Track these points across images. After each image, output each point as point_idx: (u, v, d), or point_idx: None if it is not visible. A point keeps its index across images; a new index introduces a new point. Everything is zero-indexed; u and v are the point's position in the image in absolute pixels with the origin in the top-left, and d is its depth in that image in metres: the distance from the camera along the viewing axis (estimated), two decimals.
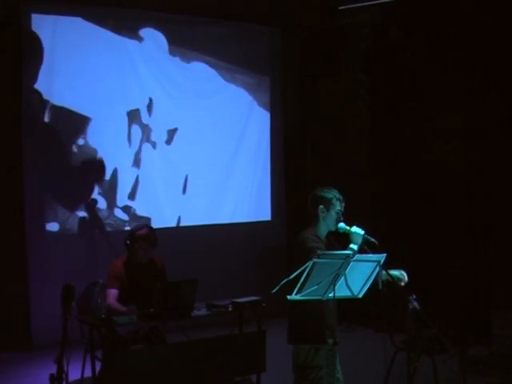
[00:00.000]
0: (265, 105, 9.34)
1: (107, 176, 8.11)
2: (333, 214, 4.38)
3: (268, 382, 5.90)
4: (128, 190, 8.27)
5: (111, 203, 8.15)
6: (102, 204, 8.09)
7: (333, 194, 4.42)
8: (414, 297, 4.24)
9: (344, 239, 4.34)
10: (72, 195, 7.90)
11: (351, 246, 4.21)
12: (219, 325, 6.14)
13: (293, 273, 3.92)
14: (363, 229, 4.29)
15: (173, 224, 8.57)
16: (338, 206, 4.40)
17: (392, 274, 4.27)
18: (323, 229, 4.42)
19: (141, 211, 8.35)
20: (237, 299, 5.79)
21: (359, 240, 4.22)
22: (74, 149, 7.92)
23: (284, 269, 8.52)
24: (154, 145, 8.43)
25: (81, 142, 7.93)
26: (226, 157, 8.96)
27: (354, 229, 4.26)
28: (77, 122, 7.88)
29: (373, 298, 4.19)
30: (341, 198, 4.44)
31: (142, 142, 8.36)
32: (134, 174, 8.30)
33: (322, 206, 4.38)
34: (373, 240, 4.22)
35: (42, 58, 7.61)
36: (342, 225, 4.33)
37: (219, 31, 8.82)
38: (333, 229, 4.41)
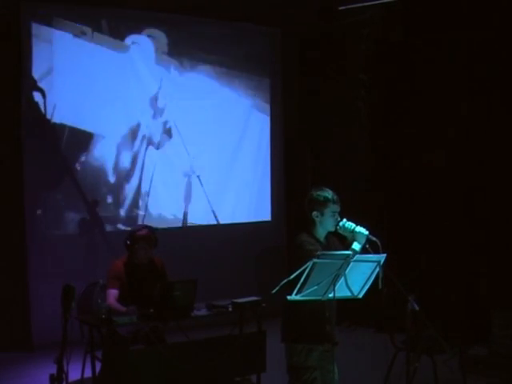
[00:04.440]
0: (265, 105, 9.34)
1: (108, 177, 8.11)
2: (328, 216, 4.32)
3: (268, 382, 5.90)
4: (129, 190, 8.27)
5: (112, 204, 8.16)
6: (102, 205, 8.10)
7: (325, 197, 4.33)
8: (413, 297, 4.25)
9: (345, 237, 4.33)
10: (72, 196, 7.89)
11: (354, 245, 4.19)
12: (219, 325, 6.13)
13: (291, 274, 3.92)
14: (366, 228, 4.28)
15: (173, 224, 8.56)
16: (333, 208, 4.32)
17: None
18: (321, 231, 4.38)
19: (141, 212, 8.35)
20: (237, 299, 5.78)
21: (363, 240, 4.20)
22: (75, 150, 7.93)
23: (284, 269, 8.49)
24: (154, 145, 8.43)
25: (81, 144, 7.95)
26: (226, 157, 8.96)
27: (358, 228, 4.24)
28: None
29: (373, 299, 4.20)
30: (335, 198, 4.34)
31: (142, 142, 8.35)
32: (134, 174, 8.30)
33: (315, 212, 4.33)
34: (375, 239, 4.21)
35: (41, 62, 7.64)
36: (345, 223, 4.27)
37: (219, 32, 8.81)
38: (332, 229, 4.37)
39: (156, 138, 8.45)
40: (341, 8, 8.40)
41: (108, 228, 8.11)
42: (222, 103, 8.89)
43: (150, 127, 8.41)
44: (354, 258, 3.95)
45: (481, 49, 7.32)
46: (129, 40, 8.20)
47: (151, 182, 8.39)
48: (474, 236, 7.50)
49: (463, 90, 7.50)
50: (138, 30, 8.25)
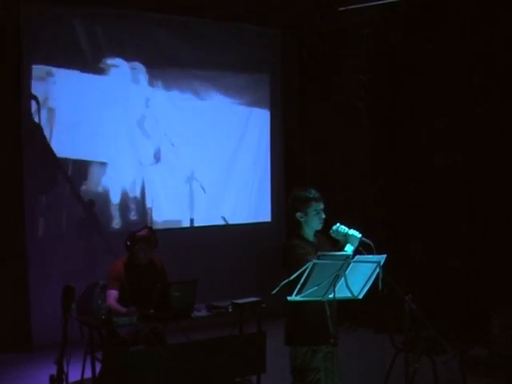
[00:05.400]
0: (265, 105, 9.33)
1: (108, 177, 8.12)
2: (312, 215, 4.30)
3: (268, 382, 5.90)
4: (129, 190, 8.27)
5: (112, 204, 8.16)
6: (103, 205, 8.10)
7: (307, 196, 4.32)
8: (410, 297, 4.23)
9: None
10: (72, 197, 7.89)
11: (346, 247, 4.19)
12: (219, 326, 6.14)
13: (286, 277, 3.91)
14: (360, 230, 4.27)
15: (173, 225, 8.56)
16: (316, 206, 4.31)
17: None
18: (308, 231, 4.36)
19: (141, 212, 8.34)
20: (237, 300, 5.79)
21: (356, 242, 4.20)
22: (75, 151, 7.94)
23: (284, 270, 8.51)
24: (153, 145, 8.42)
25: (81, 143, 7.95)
26: (226, 158, 8.95)
27: (352, 232, 4.24)
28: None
29: (373, 299, 4.20)
30: (317, 196, 4.32)
31: (141, 142, 8.35)
32: (135, 175, 8.30)
33: (299, 213, 4.32)
34: (368, 241, 4.20)
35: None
36: (338, 227, 4.26)
37: (219, 32, 8.81)
38: (318, 228, 4.36)
39: (154, 138, 8.43)
40: (341, 8, 8.40)
41: (108, 229, 8.10)
42: (222, 104, 8.88)
43: (148, 127, 8.40)
44: (355, 259, 3.95)
45: (482, 48, 7.31)
46: (128, 40, 8.17)
47: (149, 182, 8.39)
48: (474, 236, 7.49)
49: (464, 90, 7.50)
50: (138, 29, 8.23)
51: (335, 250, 4.20)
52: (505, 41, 7.15)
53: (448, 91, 7.60)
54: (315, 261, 3.82)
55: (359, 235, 4.22)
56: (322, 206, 4.33)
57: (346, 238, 4.22)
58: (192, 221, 8.71)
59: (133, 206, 8.29)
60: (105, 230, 8.05)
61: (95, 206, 8.01)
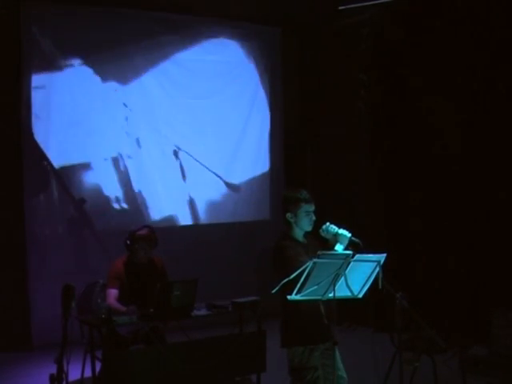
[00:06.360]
0: (265, 105, 9.34)
1: (108, 174, 8.12)
2: (302, 216, 4.29)
3: (268, 381, 5.90)
4: (129, 190, 8.27)
5: (113, 203, 8.17)
6: (103, 204, 8.11)
7: (297, 198, 4.30)
8: (401, 294, 4.22)
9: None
10: (72, 197, 7.89)
11: (336, 247, 4.19)
12: (219, 325, 6.14)
13: (283, 277, 3.91)
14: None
15: (172, 224, 8.56)
16: (306, 207, 4.29)
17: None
18: (298, 232, 4.36)
19: (140, 211, 8.34)
20: (237, 299, 5.79)
21: (345, 241, 4.20)
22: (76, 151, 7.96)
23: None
24: (152, 144, 8.43)
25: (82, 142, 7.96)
26: (226, 156, 8.97)
27: (341, 231, 4.23)
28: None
29: (373, 298, 4.19)
30: (307, 197, 4.30)
31: (140, 140, 8.36)
32: (133, 174, 8.30)
33: (289, 214, 4.31)
34: (357, 241, 4.20)
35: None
36: (328, 227, 4.26)
37: (220, 31, 8.82)
38: (308, 229, 4.35)
39: (153, 137, 8.44)
40: (341, 8, 8.40)
41: (108, 229, 8.09)
42: (222, 102, 8.89)
43: (147, 125, 8.41)
44: (355, 258, 3.95)
45: (482, 47, 7.31)
46: (129, 37, 8.18)
47: (148, 181, 8.39)
48: (474, 236, 7.49)
49: (464, 90, 7.49)
50: (140, 29, 8.23)
51: (321, 249, 4.20)
52: (505, 40, 7.14)
53: (448, 90, 7.60)
54: (316, 260, 3.82)
55: (349, 234, 4.22)
56: (312, 207, 4.33)
57: (336, 238, 4.22)
58: (188, 219, 8.72)
59: (129, 204, 8.29)
60: (104, 229, 8.05)
61: (92, 205, 7.99)
